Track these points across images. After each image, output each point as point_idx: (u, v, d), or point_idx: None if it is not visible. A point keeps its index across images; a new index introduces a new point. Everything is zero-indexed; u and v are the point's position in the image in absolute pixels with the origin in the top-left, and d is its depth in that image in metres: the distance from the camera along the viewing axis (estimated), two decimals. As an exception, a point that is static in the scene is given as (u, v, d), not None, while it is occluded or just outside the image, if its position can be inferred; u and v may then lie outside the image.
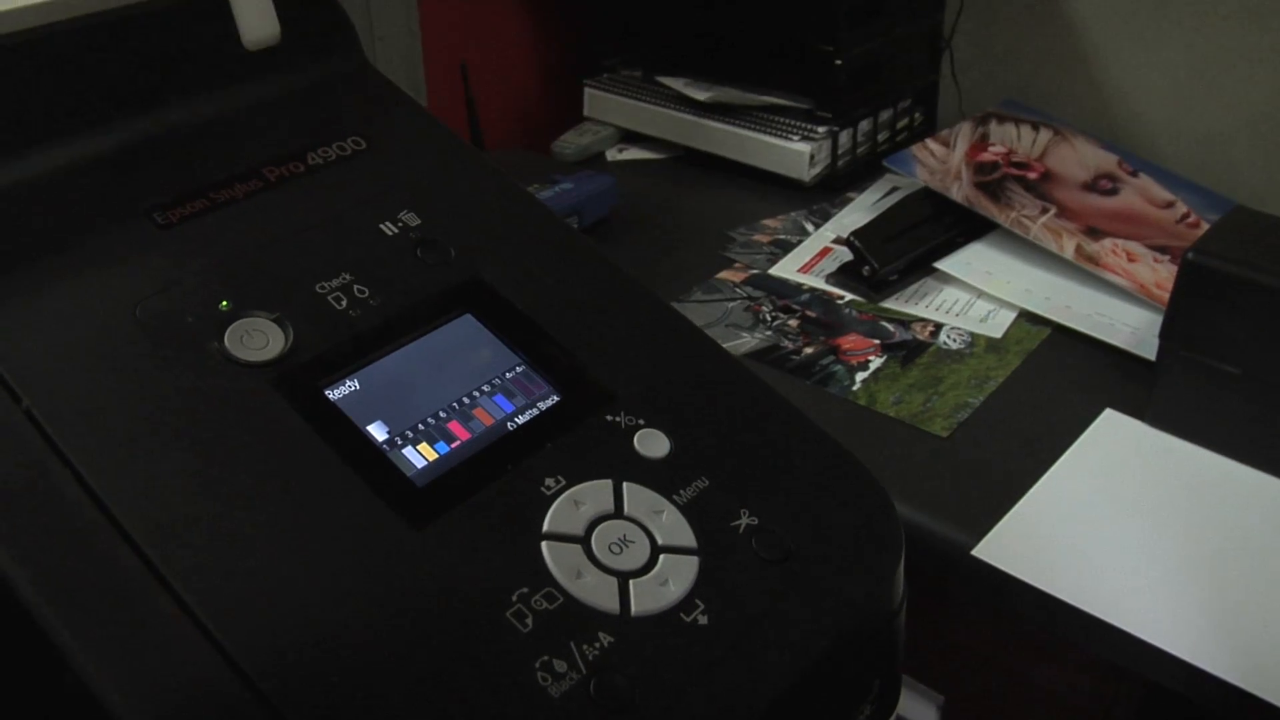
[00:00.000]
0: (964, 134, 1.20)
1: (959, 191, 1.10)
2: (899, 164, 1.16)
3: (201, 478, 0.43)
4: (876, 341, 1.00)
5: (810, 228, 1.19)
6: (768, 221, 1.20)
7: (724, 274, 1.11)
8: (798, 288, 1.08)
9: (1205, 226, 1.08)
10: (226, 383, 0.45)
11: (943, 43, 1.36)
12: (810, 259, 1.13)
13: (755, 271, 1.11)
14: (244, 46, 0.56)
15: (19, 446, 0.42)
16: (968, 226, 1.11)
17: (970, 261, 1.08)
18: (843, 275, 1.09)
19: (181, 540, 0.41)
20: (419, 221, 0.53)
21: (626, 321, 0.55)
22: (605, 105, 1.39)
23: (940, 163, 1.15)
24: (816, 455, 0.53)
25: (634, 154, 1.37)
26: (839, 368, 0.97)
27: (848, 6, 1.20)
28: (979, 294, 1.05)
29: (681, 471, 0.49)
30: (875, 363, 0.98)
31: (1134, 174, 1.17)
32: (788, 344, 1.00)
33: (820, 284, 1.09)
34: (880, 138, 1.31)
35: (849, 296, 1.07)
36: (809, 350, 0.99)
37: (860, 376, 0.96)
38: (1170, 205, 1.14)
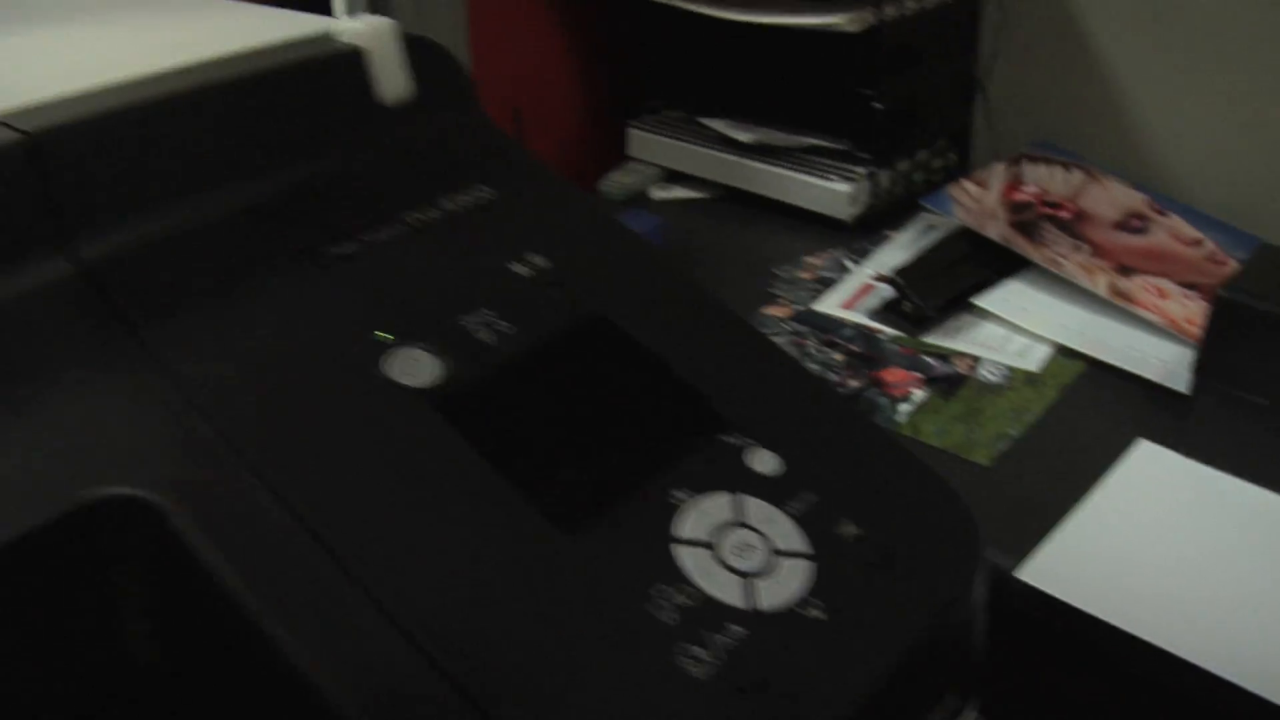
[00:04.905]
0: (998, 175, 1.25)
1: (995, 230, 1.15)
2: (936, 203, 1.21)
3: (379, 489, 0.48)
4: (918, 375, 1.05)
5: (851, 265, 1.23)
6: (810, 259, 1.25)
7: (769, 310, 1.16)
8: (841, 323, 1.13)
9: (1232, 263, 1.14)
10: (392, 406, 0.51)
11: (976, 85, 1.42)
12: (852, 295, 1.17)
13: (800, 308, 1.16)
14: (381, 101, 0.61)
15: (215, 464, 0.47)
16: (1004, 264, 1.16)
17: (1007, 298, 1.13)
18: (885, 311, 1.14)
19: (369, 543, 0.46)
20: (546, 263, 0.59)
21: (732, 351, 0.60)
22: (649, 145, 1.44)
23: (976, 202, 1.20)
24: (904, 472, 0.58)
25: (678, 193, 1.42)
26: (883, 400, 1.02)
27: (886, 52, 1.25)
28: (1016, 329, 1.10)
29: (791, 486, 0.54)
30: (918, 395, 1.02)
31: (1162, 213, 1.22)
32: (833, 377, 1.05)
33: (863, 319, 1.13)
34: (915, 178, 1.36)
35: (891, 331, 1.11)
36: (854, 383, 1.04)
37: (904, 408, 1.00)
38: (1198, 243, 1.19)
